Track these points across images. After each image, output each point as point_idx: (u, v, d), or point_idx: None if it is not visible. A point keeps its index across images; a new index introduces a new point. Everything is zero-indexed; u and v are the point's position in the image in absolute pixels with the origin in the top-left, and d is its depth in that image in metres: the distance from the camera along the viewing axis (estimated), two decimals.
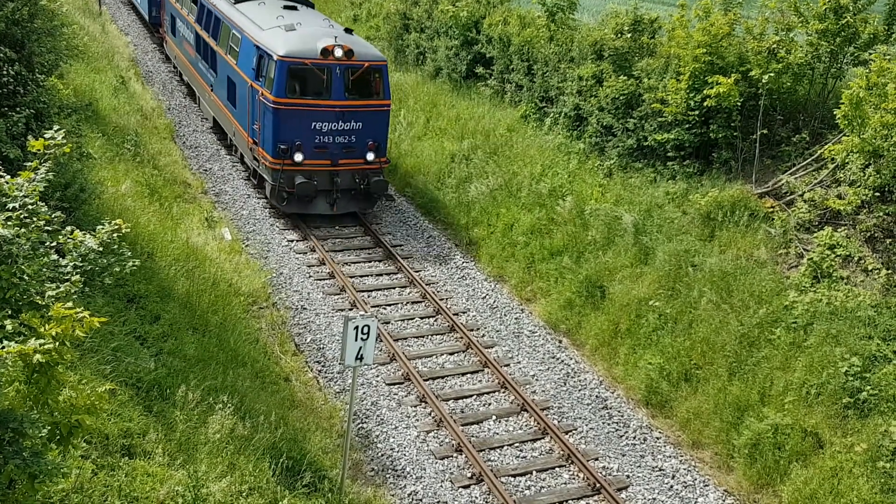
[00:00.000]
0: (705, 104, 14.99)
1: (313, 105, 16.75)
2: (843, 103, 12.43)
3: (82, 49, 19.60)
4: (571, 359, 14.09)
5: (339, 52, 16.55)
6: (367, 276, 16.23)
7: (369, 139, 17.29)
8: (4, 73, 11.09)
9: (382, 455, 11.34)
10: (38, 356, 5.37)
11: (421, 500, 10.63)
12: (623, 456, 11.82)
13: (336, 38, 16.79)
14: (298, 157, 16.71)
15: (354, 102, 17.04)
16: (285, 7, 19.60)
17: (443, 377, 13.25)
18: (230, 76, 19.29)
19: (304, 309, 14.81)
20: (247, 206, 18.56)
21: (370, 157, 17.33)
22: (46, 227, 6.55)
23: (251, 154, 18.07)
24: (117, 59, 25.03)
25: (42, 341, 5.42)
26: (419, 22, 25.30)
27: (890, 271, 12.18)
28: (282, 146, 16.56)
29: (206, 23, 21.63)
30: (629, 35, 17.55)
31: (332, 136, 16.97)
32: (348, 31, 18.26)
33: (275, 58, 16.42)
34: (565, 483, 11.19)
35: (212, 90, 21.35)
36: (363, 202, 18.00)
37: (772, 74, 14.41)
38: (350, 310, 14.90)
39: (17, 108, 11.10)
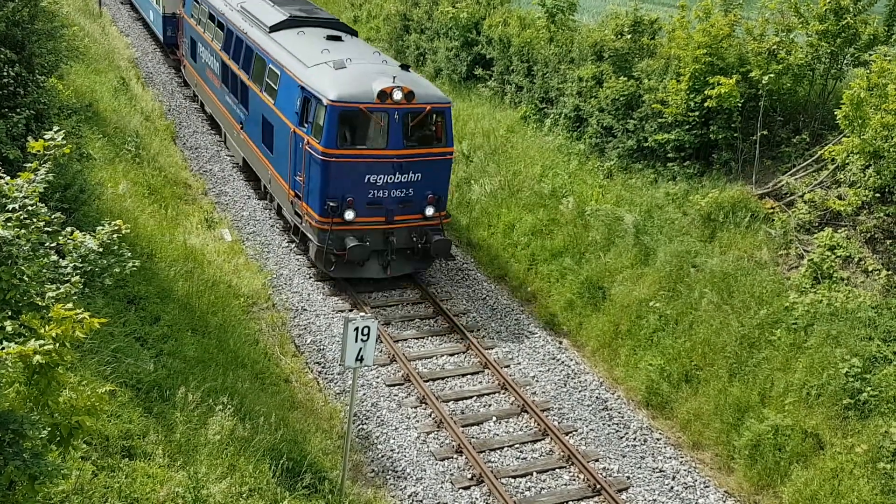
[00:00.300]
0: (706, 105, 15.00)
1: (368, 156, 14.45)
2: (843, 104, 12.43)
3: (82, 50, 19.57)
4: (572, 360, 14.08)
5: (398, 95, 14.18)
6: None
7: (429, 192, 15.02)
8: (5, 74, 11.09)
9: (383, 456, 11.34)
10: (37, 357, 5.36)
11: (421, 501, 10.62)
12: (623, 457, 11.82)
13: (394, 77, 14.48)
14: (349, 214, 14.41)
15: (414, 151, 14.71)
16: (329, 38, 17.21)
17: (443, 378, 13.24)
18: (266, 116, 16.87)
19: (305, 310, 14.80)
20: (247, 207, 18.56)
21: (429, 211, 15.06)
22: (46, 229, 6.55)
23: (292, 208, 15.63)
24: (118, 61, 25.04)
25: (42, 342, 5.42)
26: (419, 23, 25.31)
27: (890, 272, 12.18)
28: (331, 203, 14.26)
29: (236, 52, 19.07)
30: (629, 36, 17.56)
31: (387, 190, 14.68)
32: (405, 67, 15.74)
33: (324, 102, 14.09)
34: (566, 484, 11.18)
35: (242, 128, 18.82)
36: (419, 261, 15.71)
37: (772, 75, 14.41)
38: (350, 311, 14.89)
39: (18, 109, 11.10)
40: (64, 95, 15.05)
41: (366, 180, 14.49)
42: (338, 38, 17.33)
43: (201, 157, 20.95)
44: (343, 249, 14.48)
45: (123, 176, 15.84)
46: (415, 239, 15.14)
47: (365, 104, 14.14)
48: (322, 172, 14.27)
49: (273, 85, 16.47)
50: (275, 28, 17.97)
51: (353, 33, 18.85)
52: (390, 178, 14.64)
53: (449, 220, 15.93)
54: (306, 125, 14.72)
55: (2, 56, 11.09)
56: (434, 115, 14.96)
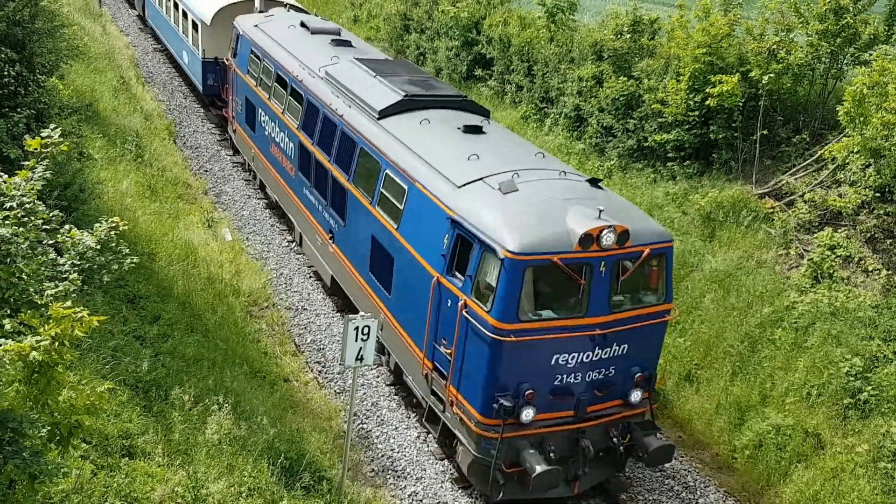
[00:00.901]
0: (707, 104, 15.01)
1: (559, 328, 9.65)
2: (845, 100, 12.44)
3: (83, 50, 19.57)
4: None
5: (609, 239, 9.50)
6: None
7: (636, 369, 10.32)
8: (5, 73, 11.11)
9: (382, 455, 11.33)
10: (34, 353, 5.35)
11: (421, 500, 10.61)
12: None
13: (600, 211, 9.71)
14: (528, 414, 9.66)
15: (622, 316, 9.95)
16: (467, 129, 12.02)
17: None
18: (379, 239, 12.02)
19: (305, 309, 14.79)
20: (247, 207, 18.56)
21: (635, 396, 10.33)
22: (45, 227, 6.55)
23: (426, 384, 10.92)
24: (118, 60, 25.04)
25: (38, 338, 5.42)
26: (419, 23, 25.33)
27: (890, 272, 12.18)
28: (503, 401, 9.56)
29: (324, 137, 14.13)
30: (629, 36, 17.57)
31: (580, 373, 9.96)
32: (594, 182, 10.82)
33: (500, 253, 9.29)
34: None
35: (332, 239, 13.96)
36: (615, 464, 10.79)
37: (772, 75, 14.42)
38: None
39: (18, 109, 11.13)
40: (64, 95, 15.06)
41: (552, 362, 9.78)
42: (477, 129, 12.15)
43: (201, 157, 20.96)
44: (514, 464, 9.86)
45: (125, 175, 15.84)
46: (614, 438, 10.33)
47: (561, 254, 9.38)
48: (492, 355, 9.56)
49: (395, 202, 11.63)
50: (386, 113, 12.84)
51: (486, 114, 13.60)
52: (586, 357, 9.92)
53: (657, 403, 11.05)
54: (461, 277, 9.99)
55: (2, 55, 11.11)
56: (651, 261, 10.14)
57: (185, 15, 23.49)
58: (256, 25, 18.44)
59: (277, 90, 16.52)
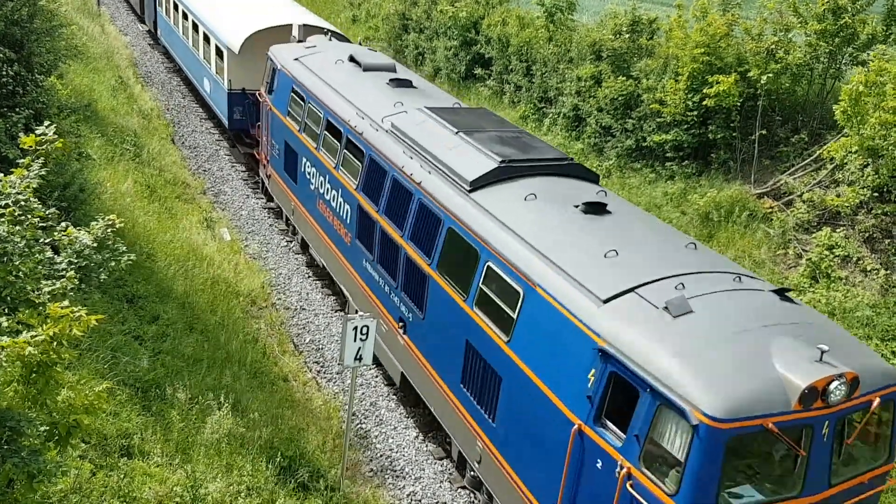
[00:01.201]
0: (705, 104, 15.02)
1: None
2: (842, 99, 12.46)
3: (81, 49, 19.54)
4: None
5: (839, 393, 6.98)
6: None
7: None
8: (4, 73, 11.12)
9: (381, 455, 11.34)
10: (30, 349, 5.34)
11: (420, 500, 10.62)
12: None
13: (823, 351, 7.03)
14: None
15: (841, 488, 7.48)
16: (588, 209, 9.40)
17: None
18: (477, 347, 9.46)
19: (304, 309, 14.80)
20: (246, 207, 18.55)
21: None
22: (41, 225, 6.55)
23: None
24: (116, 60, 25.03)
25: (34, 333, 5.41)
26: (418, 22, 25.34)
27: (888, 271, 12.19)
28: None
29: (394, 206, 11.53)
30: (627, 36, 17.59)
31: None
32: (782, 293, 8.14)
33: (692, 417, 6.70)
34: None
35: (403, 331, 11.35)
36: None
37: (770, 75, 14.44)
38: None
39: (17, 109, 11.12)
40: (62, 94, 15.06)
41: None
42: (601, 208, 9.54)
43: (200, 157, 20.95)
44: None
45: (125, 175, 15.84)
46: None
47: (775, 417, 6.79)
48: None
49: (504, 306, 9.03)
50: (480, 184, 10.23)
51: (595, 179, 11.11)
52: None
53: None
54: (620, 434, 7.39)
55: (1, 55, 11.10)
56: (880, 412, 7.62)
57: (206, 39, 20.81)
58: (297, 59, 15.84)
59: (328, 140, 13.89)
